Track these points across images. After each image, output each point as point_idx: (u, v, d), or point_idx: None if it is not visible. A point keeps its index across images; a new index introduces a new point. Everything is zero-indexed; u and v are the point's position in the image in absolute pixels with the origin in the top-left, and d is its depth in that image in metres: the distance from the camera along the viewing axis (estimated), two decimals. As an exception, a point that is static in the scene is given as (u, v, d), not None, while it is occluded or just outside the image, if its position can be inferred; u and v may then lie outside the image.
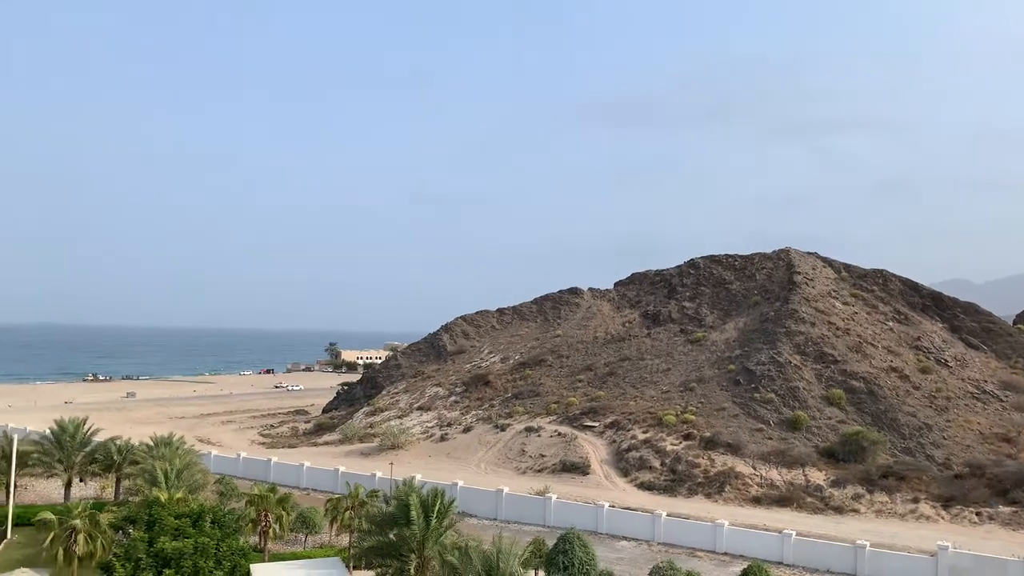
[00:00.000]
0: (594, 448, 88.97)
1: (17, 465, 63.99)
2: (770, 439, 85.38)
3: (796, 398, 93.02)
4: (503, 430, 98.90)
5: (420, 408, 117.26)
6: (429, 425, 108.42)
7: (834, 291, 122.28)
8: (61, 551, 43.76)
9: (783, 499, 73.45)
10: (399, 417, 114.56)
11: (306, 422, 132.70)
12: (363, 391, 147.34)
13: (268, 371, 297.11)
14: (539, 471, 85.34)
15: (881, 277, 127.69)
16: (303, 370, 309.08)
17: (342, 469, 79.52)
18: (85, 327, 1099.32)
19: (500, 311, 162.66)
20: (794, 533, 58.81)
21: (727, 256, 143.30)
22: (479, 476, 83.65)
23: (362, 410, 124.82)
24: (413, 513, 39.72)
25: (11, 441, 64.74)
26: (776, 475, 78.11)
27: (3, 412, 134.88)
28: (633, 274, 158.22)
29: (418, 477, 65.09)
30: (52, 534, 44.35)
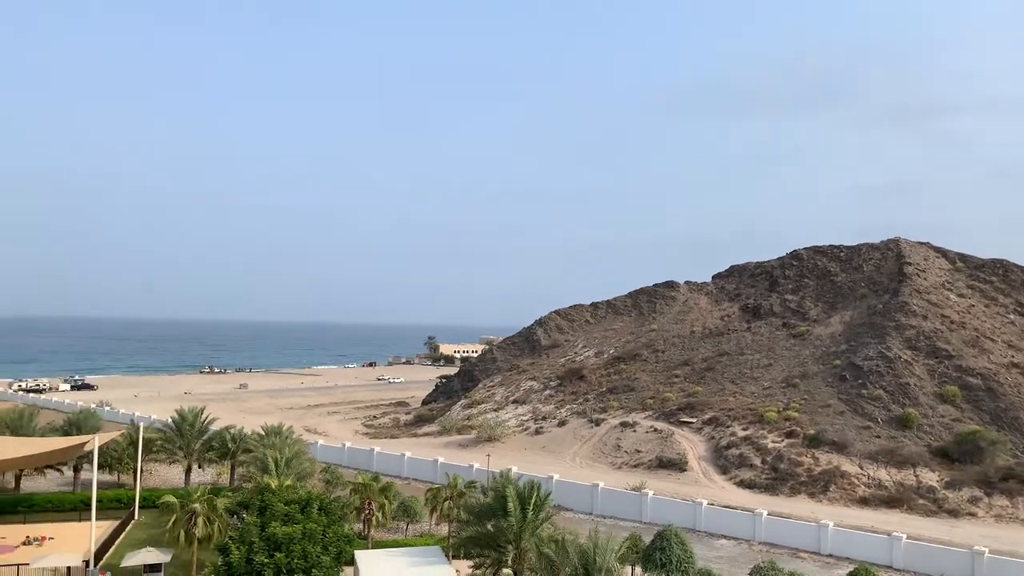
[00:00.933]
0: (691, 444, 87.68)
1: (143, 451, 68.67)
2: (878, 437, 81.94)
3: (906, 395, 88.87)
4: (598, 424, 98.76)
5: (515, 401, 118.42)
6: (524, 418, 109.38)
7: (948, 283, 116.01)
8: (182, 533, 46.60)
9: (892, 500, 70.45)
10: (495, 410, 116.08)
11: (407, 413, 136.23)
12: (460, 384, 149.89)
13: (371, 364, 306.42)
14: (635, 467, 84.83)
15: (1001, 267, 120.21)
16: (403, 363, 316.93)
17: (441, 460, 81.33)
18: (205, 322, 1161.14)
19: (594, 305, 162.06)
20: (904, 536, 56.34)
21: (832, 247, 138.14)
22: (574, 470, 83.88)
23: (460, 403, 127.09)
24: (510, 505, 40.33)
25: (138, 429, 69.55)
26: (885, 475, 74.95)
27: (130, 401, 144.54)
28: (732, 267, 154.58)
29: (514, 469, 65.91)
30: (174, 517, 47.23)
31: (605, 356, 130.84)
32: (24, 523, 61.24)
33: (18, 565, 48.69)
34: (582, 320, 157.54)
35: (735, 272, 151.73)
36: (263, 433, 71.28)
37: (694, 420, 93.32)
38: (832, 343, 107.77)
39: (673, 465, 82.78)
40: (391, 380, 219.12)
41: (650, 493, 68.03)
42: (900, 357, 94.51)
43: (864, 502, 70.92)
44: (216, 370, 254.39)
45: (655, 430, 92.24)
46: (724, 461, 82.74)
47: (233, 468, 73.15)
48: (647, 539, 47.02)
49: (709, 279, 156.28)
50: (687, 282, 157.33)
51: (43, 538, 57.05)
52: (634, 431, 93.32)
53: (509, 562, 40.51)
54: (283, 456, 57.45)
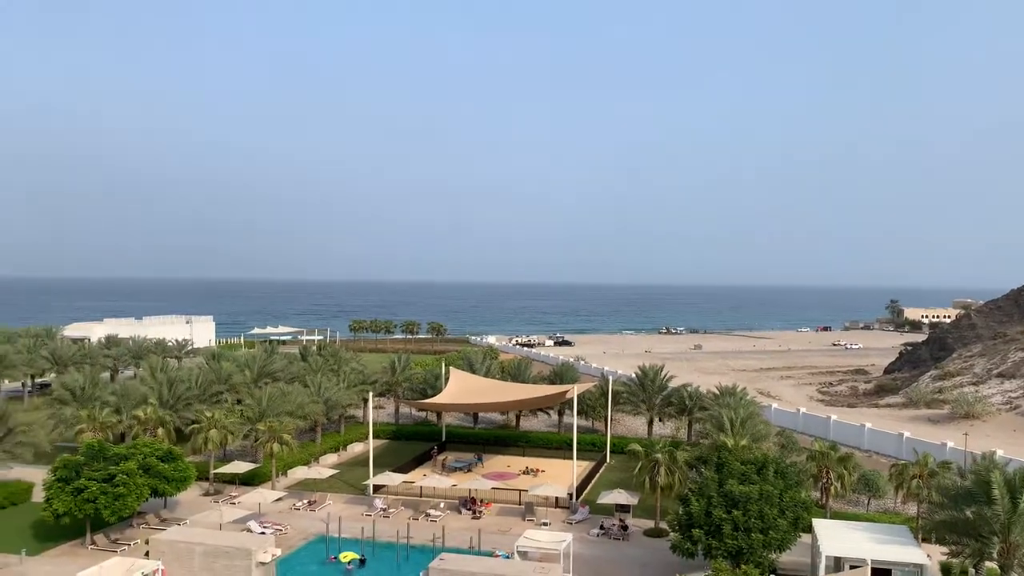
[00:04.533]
0: None
1: (611, 402, 76.61)
2: None
3: None
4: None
5: (1000, 375, 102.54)
6: (1013, 395, 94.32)
7: None
8: (647, 479, 51.36)
9: None
10: (973, 384, 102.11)
11: (866, 382, 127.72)
12: (929, 353, 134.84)
13: (825, 328, 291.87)
14: None
15: None
16: (862, 328, 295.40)
17: (907, 434, 74.94)
18: (663, 287, 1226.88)
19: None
20: None
21: None
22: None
23: (928, 373, 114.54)
24: (995, 492, 35.95)
25: (607, 382, 77.76)
26: None
27: (600, 357, 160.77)
28: None
29: (999, 453, 57.82)
30: (640, 464, 52.22)
31: None
32: (523, 455, 73.40)
33: (519, 490, 58.82)
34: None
35: None
36: (718, 393, 73.87)
37: None
38: None
39: None
40: (848, 346, 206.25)
41: None
42: None
43: None
44: (673, 331, 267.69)
45: None
46: None
47: (690, 424, 77.21)
48: None
49: None
50: None
51: (538, 470, 67.79)
52: None
53: (995, 555, 36.27)
54: (738, 416, 59.00)
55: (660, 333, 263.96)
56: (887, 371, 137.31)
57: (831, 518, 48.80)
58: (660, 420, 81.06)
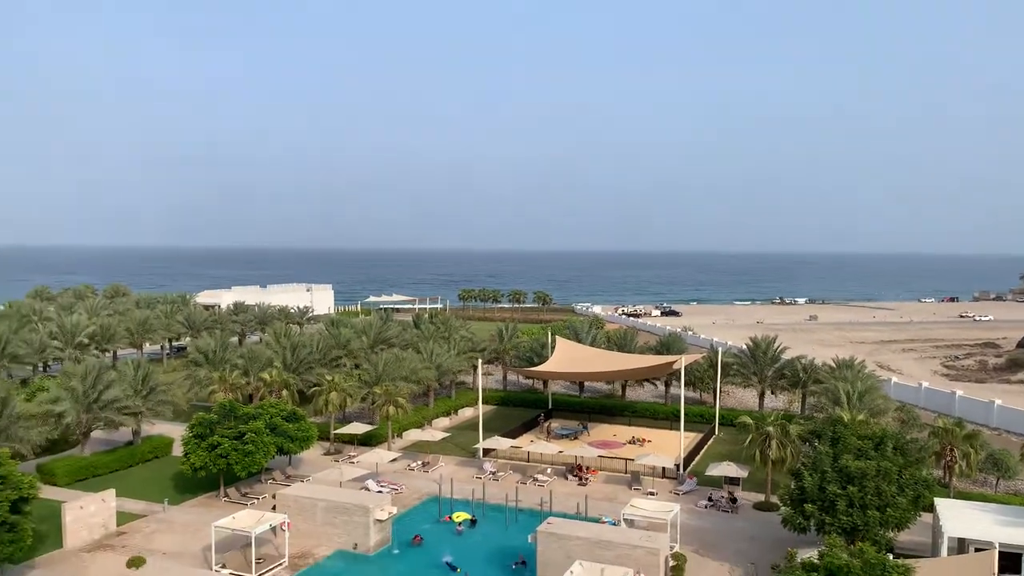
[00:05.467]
0: None
1: (720, 373, 75.43)
2: None
3: None
4: None
5: None
6: None
7: None
8: (757, 452, 50.52)
9: None
10: None
11: (996, 356, 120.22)
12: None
13: (952, 299, 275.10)
14: None
15: None
16: (993, 299, 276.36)
17: (1044, 414, 70.38)
18: (781, 255, 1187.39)
19: None
20: None
21: None
22: None
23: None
24: None
25: (716, 353, 76.55)
26: None
27: (708, 328, 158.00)
28: None
29: None
30: (750, 437, 51.39)
31: None
32: (629, 425, 73.58)
33: (626, 459, 59.14)
34: None
35: None
36: (834, 365, 71.56)
37: None
38: None
39: None
40: (977, 318, 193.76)
41: None
42: None
43: None
44: (787, 301, 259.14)
45: None
46: None
47: (804, 397, 75.17)
48: None
49: None
50: None
51: (644, 440, 67.87)
52: None
53: None
54: (855, 390, 57.13)
55: (773, 303, 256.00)
56: (1020, 344, 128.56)
57: (955, 497, 46.70)
58: (772, 393, 79.31)
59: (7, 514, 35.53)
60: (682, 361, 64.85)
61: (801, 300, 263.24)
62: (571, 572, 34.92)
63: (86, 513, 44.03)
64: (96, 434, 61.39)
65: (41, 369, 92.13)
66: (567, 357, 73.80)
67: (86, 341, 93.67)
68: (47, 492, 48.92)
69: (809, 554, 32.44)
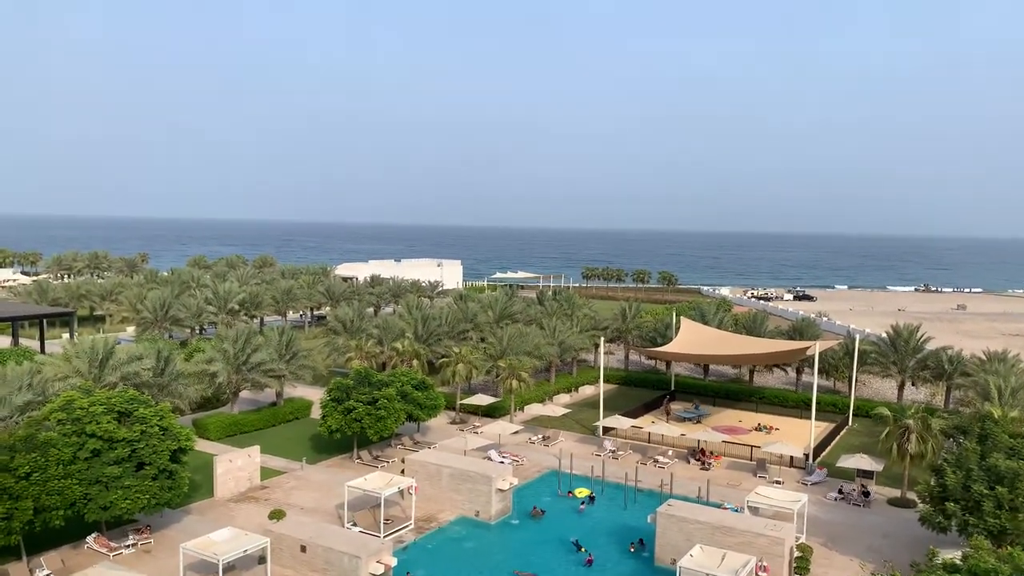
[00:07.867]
0: None
1: (857, 362, 71.95)
2: None
3: None
4: None
5: None
6: None
7: None
8: (895, 446, 48.00)
9: None
10: None
11: None
12: None
13: None
14: None
15: None
16: None
17: None
18: (923, 238, 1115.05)
19: None
20: None
21: None
22: None
23: None
24: None
25: (853, 340, 73.02)
26: None
27: (845, 314, 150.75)
28: None
29: None
30: (887, 429, 48.83)
31: None
32: (756, 411, 71.59)
33: (751, 446, 57.69)
34: None
35: None
36: (984, 358, 67.05)
37: None
38: None
39: None
40: None
41: None
42: None
43: None
44: (933, 288, 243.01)
45: None
46: None
47: (948, 390, 70.78)
48: None
49: None
50: None
51: (771, 427, 65.92)
52: None
53: None
54: (1007, 385, 53.34)
55: (918, 291, 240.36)
56: None
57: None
58: (913, 384, 75.02)
59: (168, 463, 39.04)
60: (816, 347, 62.29)
61: (948, 289, 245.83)
62: (691, 555, 34.70)
63: (235, 466, 47.66)
64: (244, 394, 66.02)
65: (198, 332, 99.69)
66: (693, 339, 72.43)
67: (237, 307, 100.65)
68: (201, 445, 53.30)
69: (951, 555, 30.75)
